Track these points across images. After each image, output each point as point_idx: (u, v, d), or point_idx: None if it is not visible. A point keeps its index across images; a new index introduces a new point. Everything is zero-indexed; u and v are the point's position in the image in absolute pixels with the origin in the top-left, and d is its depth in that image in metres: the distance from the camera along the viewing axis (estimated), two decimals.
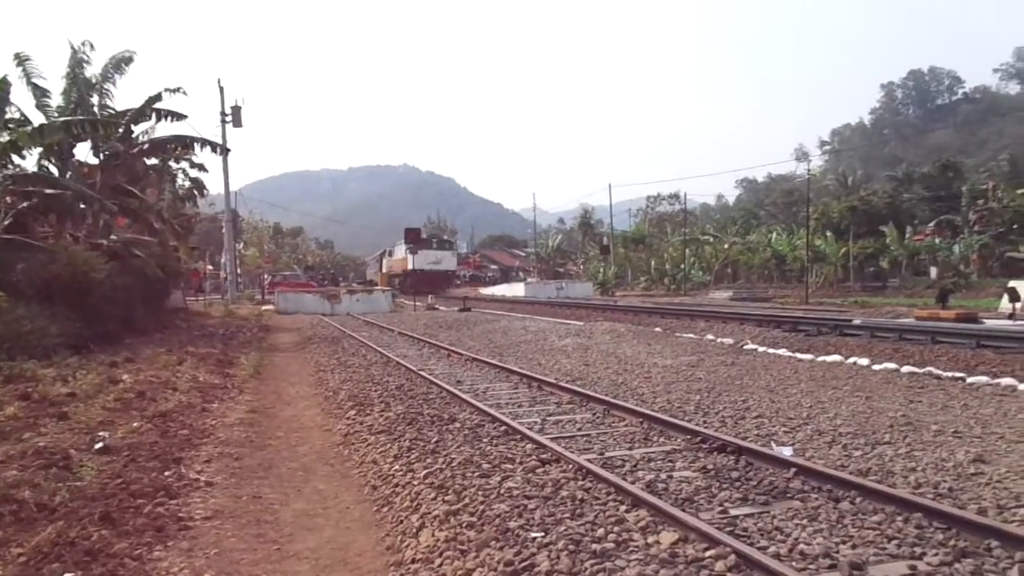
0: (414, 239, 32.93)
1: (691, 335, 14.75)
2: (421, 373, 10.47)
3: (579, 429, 6.73)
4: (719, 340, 13.73)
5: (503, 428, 6.71)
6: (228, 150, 29.91)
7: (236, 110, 32.94)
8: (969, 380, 8.69)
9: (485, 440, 6.29)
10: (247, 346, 15.55)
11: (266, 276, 52.43)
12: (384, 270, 60.42)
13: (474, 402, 7.91)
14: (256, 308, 30.74)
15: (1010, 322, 15.23)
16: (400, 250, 53.86)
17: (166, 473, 5.63)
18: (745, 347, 12.69)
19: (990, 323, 14.68)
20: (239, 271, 48.65)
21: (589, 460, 5.40)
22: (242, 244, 61.06)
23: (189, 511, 4.87)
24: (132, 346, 13.48)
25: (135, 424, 7.08)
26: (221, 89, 32.93)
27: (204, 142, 20.56)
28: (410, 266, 50.96)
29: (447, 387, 9.03)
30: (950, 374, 9.13)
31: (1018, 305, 17.84)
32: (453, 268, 56.00)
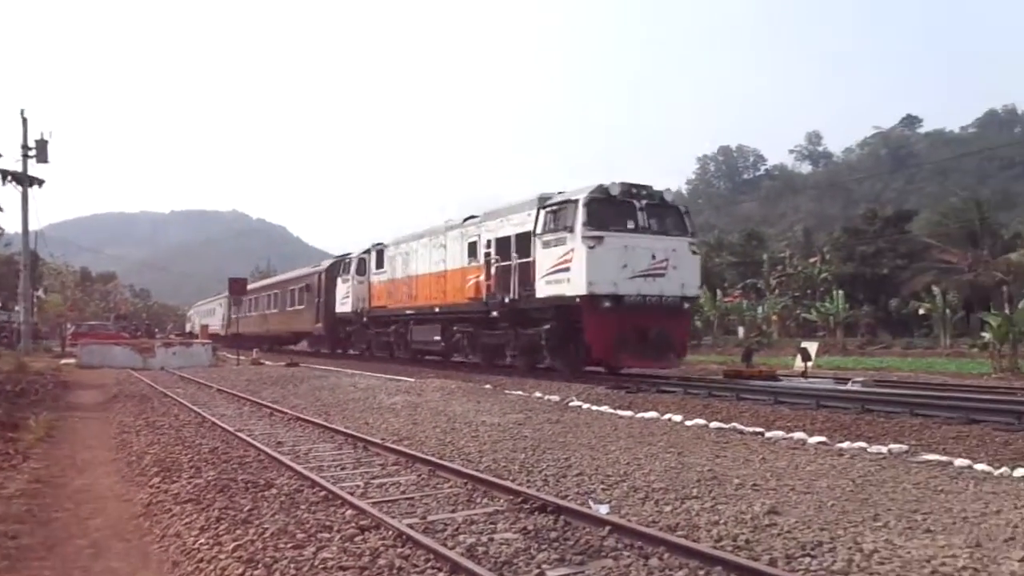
0: (239, 289, 31.21)
1: (520, 392, 15.01)
2: (239, 434, 9.90)
3: (403, 492, 6.60)
4: (546, 397, 14.06)
5: (323, 493, 6.44)
6: (36, 181, 27.42)
7: (42, 144, 30.35)
8: (768, 435, 9.42)
9: (303, 507, 6.01)
10: (39, 405, 14.04)
11: (69, 326, 47.89)
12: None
13: (294, 465, 7.55)
14: (55, 361, 27.94)
15: (803, 379, 16.75)
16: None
17: None
18: (570, 404, 13.07)
19: (784, 381, 16.08)
20: (36, 320, 44.12)
21: (410, 525, 5.29)
22: (42, 290, 55.43)
23: None
24: None
25: None
26: (24, 120, 30.27)
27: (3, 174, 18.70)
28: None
29: (266, 449, 8.58)
30: (751, 429, 9.85)
31: (809, 364, 19.71)
32: None
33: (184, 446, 9.19)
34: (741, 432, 9.70)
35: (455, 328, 21.72)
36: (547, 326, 17.19)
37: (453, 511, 5.88)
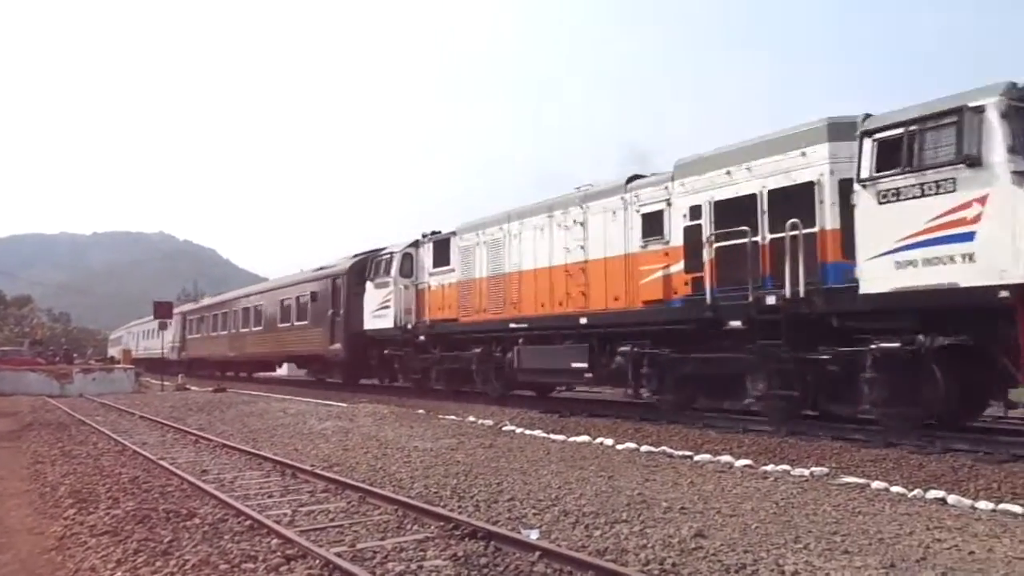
0: (164, 313, 30.03)
1: (453, 417, 14.93)
2: (161, 463, 9.57)
3: (332, 519, 6.49)
4: (479, 422, 14.02)
5: (248, 522, 6.28)
6: None
7: None
8: (696, 458, 9.58)
9: (227, 537, 5.84)
10: None
11: None
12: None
13: (218, 494, 7.34)
14: None
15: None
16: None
17: None
18: (504, 429, 13.06)
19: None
20: None
21: (338, 553, 5.21)
22: None
23: None
24: None
25: None
26: None
27: None
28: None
29: (189, 478, 8.31)
30: (680, 453, 10.01)
31: None
32: None
33: (102, 476, 8.83)
34: (671, 455, 9.86)
35: (629, 347, 13.48)
36: (892, 344, 9.41)
37: (383, 538, 5.81)
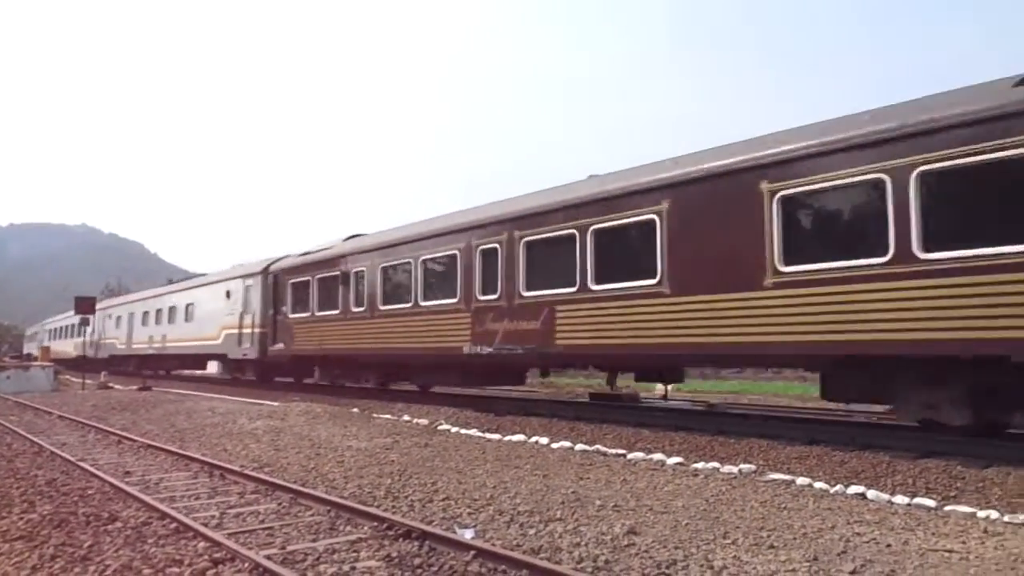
0: (86, 308, 28.66)
1: (388, 416, 14.78)
2: (81, 464, 9.20)
3: (262, 521, 6.35)
4: (415, 421, 13.92)
5: (174, 525, 6.09)
6: None
7: None
8: (629, 456, 9.73)
9: (151, 540, 5.66)
10: None
11: None
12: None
13: (142, 496, 7.10)
14: None
15: (663, 402, 17.46)
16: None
17: None
18: (439, 428, 13.00)
19: (646, 403, 16.71)
20: None
21: (268, 556, 5.10)
22: None
23: None
24: None
25: None
26: None
27: None
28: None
29: (111, 480, 8.02)
30: (615, 451, 10.14)
31: (669, 387, 20.55)
32: None
33: (16, 479, 8.44)
34: (604, 454, 9.97)
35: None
36: None
37: (314, 540, 5.71)
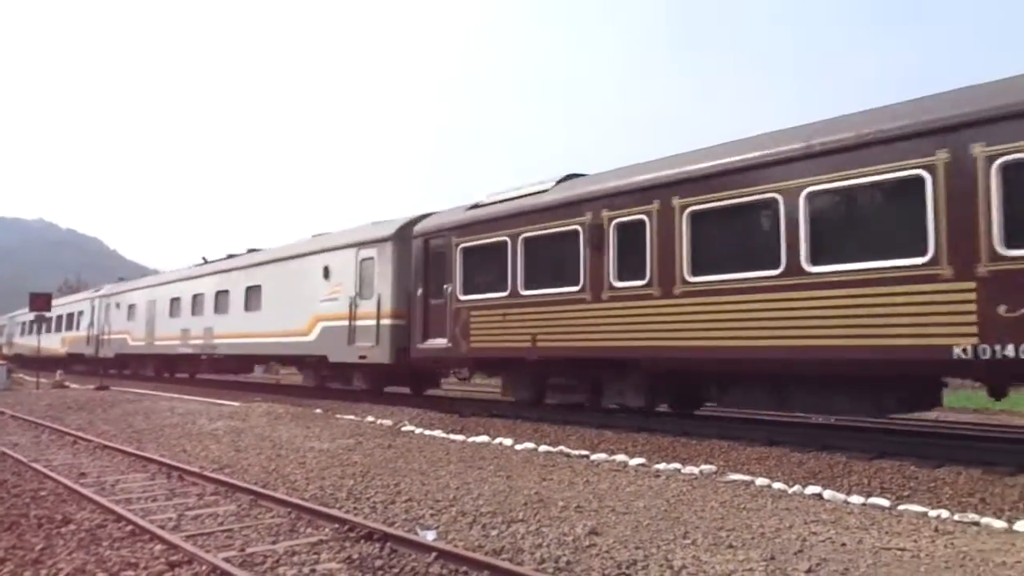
0: (42, 305, 27.81)
1: (352, 416, 14.68)
2: (34, 465, 9.00)
3: (220, 523, 6.27)
4: (379, 422, 13.84)
5: (129, 528, 5.99)
6: None
7: None
8: (592, 457, 9.79)
9: (105, 543, 5.56)
10: None
11: None
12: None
13: (97, 498, 6.97)
14: None
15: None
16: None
17: None
18: (403, 429, 12.95)
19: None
20: None
21: (227, 559, 5.04)
22: None
23: None
24: None
25: None
26: None
27: None
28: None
29: (65, 481, 7.85)
30: (578, 452, 10.20)
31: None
32: None
33: None
34: (568, 455, 10.02)
35: None
36: None
37: (274, 542, 5.66)
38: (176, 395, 20.75)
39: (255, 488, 7.40)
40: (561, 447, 10.56)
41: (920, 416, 11.69)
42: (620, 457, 9.66)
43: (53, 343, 38.23)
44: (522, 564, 4.97)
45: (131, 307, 30.01)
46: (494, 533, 5.87)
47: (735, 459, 9.46)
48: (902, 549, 5.44)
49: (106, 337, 32.29)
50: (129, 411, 16.05)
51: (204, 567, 4.90)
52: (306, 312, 18.61)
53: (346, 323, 17.09)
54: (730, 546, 5.50)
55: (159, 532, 5.71)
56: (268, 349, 20.87)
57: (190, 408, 16.38)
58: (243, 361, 24.59)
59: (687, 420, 11.67)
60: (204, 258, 26.81)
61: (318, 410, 15.64)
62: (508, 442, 11.11)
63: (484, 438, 11.54)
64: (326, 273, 18.09)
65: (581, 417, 13.14)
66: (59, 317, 37.61)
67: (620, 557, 5.17)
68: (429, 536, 5.70)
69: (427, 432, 12.50)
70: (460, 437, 11.77)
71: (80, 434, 12.02)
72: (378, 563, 5.08)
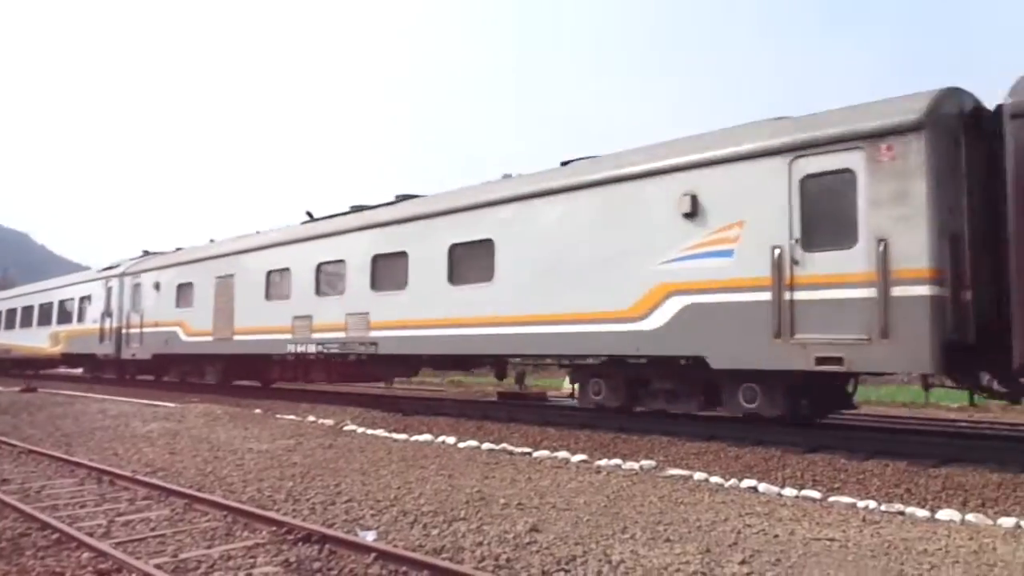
0: None
1: (292, 416, 14.44)
2: None
3: (153, 529, 6.10)
4: (320, 421, 13.66)
5: (55, 535, 5.78)
6: None
7: None
8: (535, 455, 9.84)
9: (29, 552, 5.35)
10: None
11: None
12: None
13: (20, 505, 6.70)
14: None
15: (570, 400, 17.71)
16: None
17: None
18: (345, 428, 12.80)
19: (554, 402, 16.93)
20: None
21: (158, 565, 4.91)
22: None
23: None
24: None
25: None
26: None
27: None
28: None
29: None
30: (521, 450, 10.23)
31: (576, 385, 20.86)
32: None
33: None
34: (511, 453, 10.04)
35: None
36: None
37: (209, 547, 5.53)
38: (109, 396, 20.08)
39: (190, 491, 7.22)
40: (504, 444, 10.58)
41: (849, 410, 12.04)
42: (562, 454, 9.73)
43: (34, 341, 29.60)
44: (462, 563, 4.97)
45: (185, 287, 20.80)
46: (435, 532, 5.86)
47: (675, 454, 9.62)
48: (831, 539, 5.62)
49: (135, 330, 22.63)
50: (57, 414, 15.48)
51: (135, 575, 4.76)
52: (632, 278, 10.56)
53: (765, 296, 9.21)
54: (667, 540, 5.60)
55: (87, 539, 5.52)
56: (517, 345, 12.43)
57: (123, 410, 15.88)
58: (425, 363, 15.73)
59: (629, 416, 11.81)
60: (309, 213, 17.97)
61: (258, 410, 15.35)
62: (451, 440, 11.08)
63: (427, 437, 11.49)
64: (692, 207, 9.96)
65: (525, 415, 13.22)
66: (43, 307, 29.23)
67: (560, 553, 5.21)
68: (369, 537, 5.65)
69: (369, 431, 12.39)
70: (403, 436, 11.69)
71: (3, 439, 11.53)
72: (316, 565, 5.01)
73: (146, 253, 24.29)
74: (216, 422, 13.41)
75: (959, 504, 7.00)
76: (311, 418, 14.15)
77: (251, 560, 5.16)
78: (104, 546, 5.33)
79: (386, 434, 12.02)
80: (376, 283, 14.67)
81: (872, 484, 7.78)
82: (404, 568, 4.86)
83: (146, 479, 7.92)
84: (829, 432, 10.30)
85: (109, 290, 24.50)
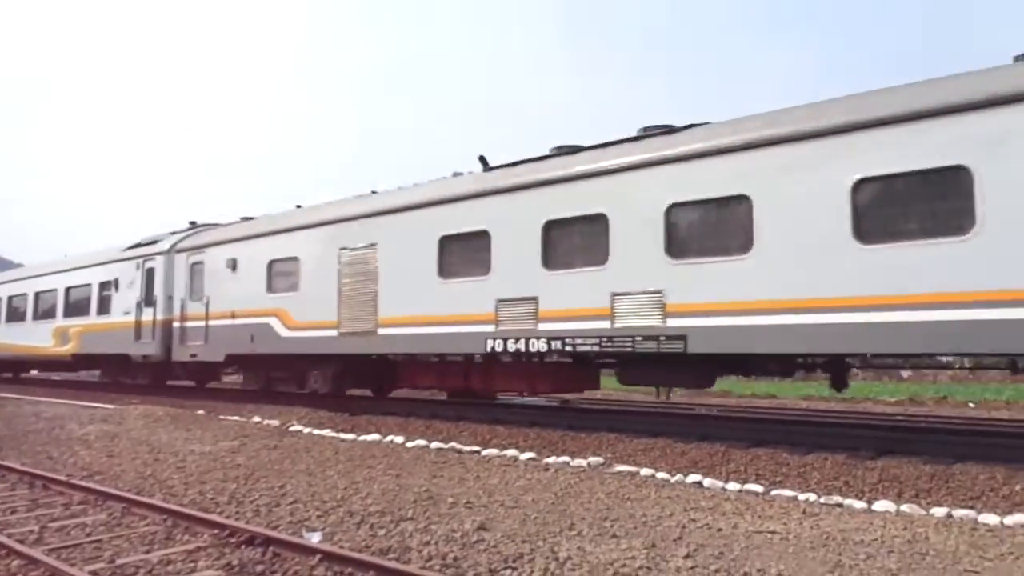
0: None
1: (237, 417, 14.17)
2: None
3: (88, 534, 5.91)
4: (265, 422, 13.42)
5: None
6: None
7: None
8: (483, 453, 9.83)
9: None
10: None
11: None
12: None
13: None
14: None
15: (520, 399, 17.75)
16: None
17: None
18: (291, 429, 12.61)
19: (503, 400, 16.94)
20: None
21: (94, 572, 4.76)
22: None
23: None
24: None
25: None
26: None
27: None
28: None
29: None
30: (469, 448, 10.22)
31: None
32: None
33: None
34: (459, 451, 10.02)
35: None
36: None
37: (148, 551, 5.39)
38: (42, 398, 19.40)
39: (128, 495, 7.02)
40: (453, 443, 10.55)
41: (793, 405, 12.35)
42: (511, 452, 9.75)
43: (30, 339, 23.95)
44: (409, 562, 4.94)
45: (283, 263, 15.61)
46: (382, 532, 5.80)
47: (622, 451, 9.72)
48: (773, 532, 5.74)
49: (196, 324, 17.56)
50: None
51: None
52: None
53: None
54: (614, 536, 5.65)
55: (17, 546, 5.31)
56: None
57: (58, 412, 15.36)
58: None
59: (577, 413, 11.90)
60: (482, 159, 13.14)
61: (200, 411, 15.00)
62: (399, 439, 11.01)
63: (375, 436, 11.39)
64: None
65: (474, 413, 13.19)
66: (41, 296, 23.64)
67: (507, 551, 5.21)
68: (314, 538, 5.57)
69: (316, 431, 12.22)
70: (350, 436, 11.57)
71: None
72: (259, 568, 4.92)
73: (193, 225, 19.62)
74: (157, 424, 13.07)
75: (894, 495, 7.22)
76: (256, 419, 13.90)
77: (192, 564, 5.04)
78: (36, 553, 5.14)
79: (333, 434, 11.88)
80: (673, 247, 9.78)
81: (812, 477, 7.98)
82: (350, 569, 4.81)
83: (82, 483, 7.67)
84: (772, 427, 10.53)
85: (149, 272, 19.06)
